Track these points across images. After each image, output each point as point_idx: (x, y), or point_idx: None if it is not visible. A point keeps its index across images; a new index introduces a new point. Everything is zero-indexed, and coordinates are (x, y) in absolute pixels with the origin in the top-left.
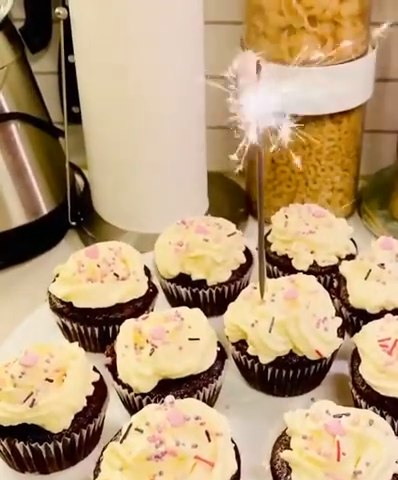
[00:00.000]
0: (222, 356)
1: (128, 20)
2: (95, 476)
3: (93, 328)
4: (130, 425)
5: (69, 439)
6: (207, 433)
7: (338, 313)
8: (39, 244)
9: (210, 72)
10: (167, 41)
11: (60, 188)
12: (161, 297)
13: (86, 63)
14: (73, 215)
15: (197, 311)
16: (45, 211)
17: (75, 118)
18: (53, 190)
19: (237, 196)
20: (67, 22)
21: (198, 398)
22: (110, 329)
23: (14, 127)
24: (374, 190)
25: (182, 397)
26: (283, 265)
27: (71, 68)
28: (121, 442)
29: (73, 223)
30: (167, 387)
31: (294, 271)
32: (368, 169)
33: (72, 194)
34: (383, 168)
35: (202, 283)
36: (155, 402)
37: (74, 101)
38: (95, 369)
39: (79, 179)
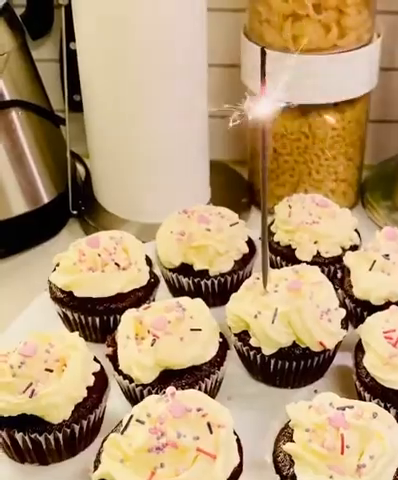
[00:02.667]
0: (224, 347)
1: (130, 6)
2: (95, 467)
3: (94, 318)
4: (131, 416)
5: (69, 430)
6: (209, 425)
7: (342, 304)
8: (40, 233)
9: (213, 59)
10: (169, 27)
11: (61, 177)
12: (163, 287)
13: (88, 50)
14: (74, 204)
15: (199, 301)
16: (46, 200)
17: (76, 106)
18: (54, 179)
19: (240, 186)
20: (68, 8)
21: (200, 389)
22: (111, 319)
23: (15, 115)
24: (378, 180)
25: (184, 388)
26: (286, 255)
27: (73, 55)
28: (122, 433)
29: (74, 212)
30: (168, 378)
31: (297, 261)
32: (372, 159)
33: (73, 183)
34: (387, 158)
35: (204, 273)
36: (156, 393)
37: (76, 89)
38: (96, 359)
39: (80, 168)
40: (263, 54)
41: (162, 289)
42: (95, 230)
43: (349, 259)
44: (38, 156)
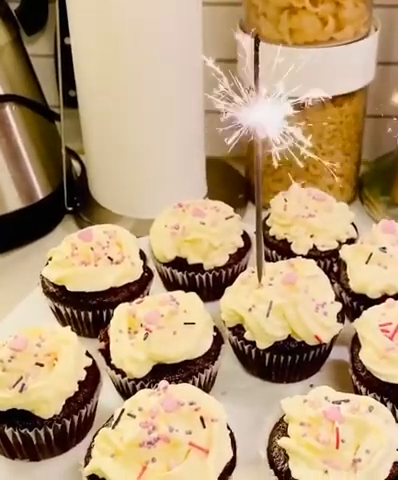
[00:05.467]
0: (218, 341)
1: (125, 0)
2: (86, 463)
3: (86, 312)
4: (122, 410)
5: (60, 425)
6: (202, 419)
7: (338, 298)
8: (35, 229)
9: (209, 53)
10: (165, 22)
11: (56, 173)
12: (157, 282)
13: (82, 45)
14: (69, 200)
15: (193, 295)
16: (41, 196)
17: (71, 102)
18: (49, 175)
19: (236, 182)
20: (63, 3)
21: (193, 384)
22: (104, 313)
23: (9, 110)
24: (376, 176)
25: (177, 382)
26: (282, 249)
27: (67, 51)
28: (113, 428)
29: (69, 208)
30: (161, 372)
31: (293, 255)
32: (369, 155)
33: (68, 179)
34: (385, 153)
35: (198, 267)
36: (149, 387)
37: (71, 84)
38: (88, 354)
39: (75, 164)
40: (257, 41)
41: (156, 284)
42: (90, 226)
43: (345, 252)
44: (33, 152)
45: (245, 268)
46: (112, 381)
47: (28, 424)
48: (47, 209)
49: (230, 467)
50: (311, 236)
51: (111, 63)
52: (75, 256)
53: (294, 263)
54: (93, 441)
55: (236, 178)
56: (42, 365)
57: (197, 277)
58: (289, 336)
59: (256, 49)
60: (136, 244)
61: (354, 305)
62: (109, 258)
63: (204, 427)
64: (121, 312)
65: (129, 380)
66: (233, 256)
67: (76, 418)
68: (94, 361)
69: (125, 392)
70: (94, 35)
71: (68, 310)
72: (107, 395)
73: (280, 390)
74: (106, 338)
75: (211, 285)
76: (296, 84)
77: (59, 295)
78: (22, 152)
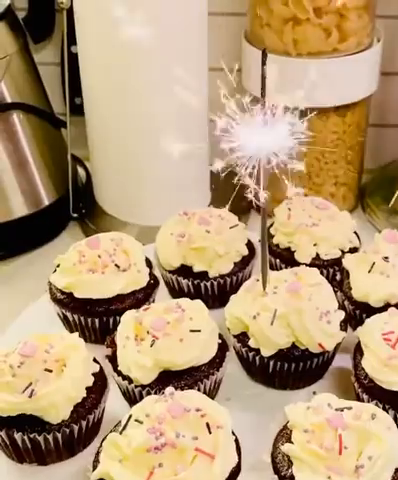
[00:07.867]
0: (223, 348)
1: (131, 9)
2: (94, 467)
3: (93, 319)
4: (130, 416)
5: (68, 430)
6: (208, 425)
7: (341, 306)
8: (40, 235)
9: (213, 63)
10: (170, 32)
11: (62, 179)
12: (162, 289)
13: (88, 54)
14: (75, 207)
15: (198, 302)
16: (46, 202)
17: (77, 109)
18: (55, 181)
19: (240, 190)
20: (70, 12)
21: (199, 390)
22: (111, 320)
23: (16, 117)
24: (378, 184)
25: (183, 389)
26: (286, 257)
27: (74, 59)
28: (121, 433)
29: (75, 215)
30: (168, 379)
31: (296, 264)
32: (372, 163)
33: (74, 186)
34: (387, 162)
35: (204, 275)
36: (155, 394)
37: (77, 92)
38: (95, 360)
39: (81, 171)
40: (264, 55)
41: (162, 292)
42: (95, 233)
43: (348, 261)
44: (39, 159)
45: (249, 276)
46: (119, 387)
47: (37, 429)
48: (53, 215)
49: (235, 472)
50: (314, 245)
51: (117, 71)
52: (83, 263)
53: (298, 272)
54: (101, 446)
55: (240, 186)
56: (51, 371)
57: (202, 285)
58: (293, 344)
59: (263, 63)
60: (142, 252)
61: (357, 313)
62: (116, 265)
63: (210, 433)
64: (128, 319)
65: (136, 386)
66: (238, 264)
67: (84, 423)
68: (101, 367)
69: (132, 398)
70: (100, 43)
71: (75, 317)
72: (114, 401)
73: (284, 397)
74: (113, 345)
75: (216, 293)
76: (300, 94)
77: (67, 302)
78: (28, 159)
